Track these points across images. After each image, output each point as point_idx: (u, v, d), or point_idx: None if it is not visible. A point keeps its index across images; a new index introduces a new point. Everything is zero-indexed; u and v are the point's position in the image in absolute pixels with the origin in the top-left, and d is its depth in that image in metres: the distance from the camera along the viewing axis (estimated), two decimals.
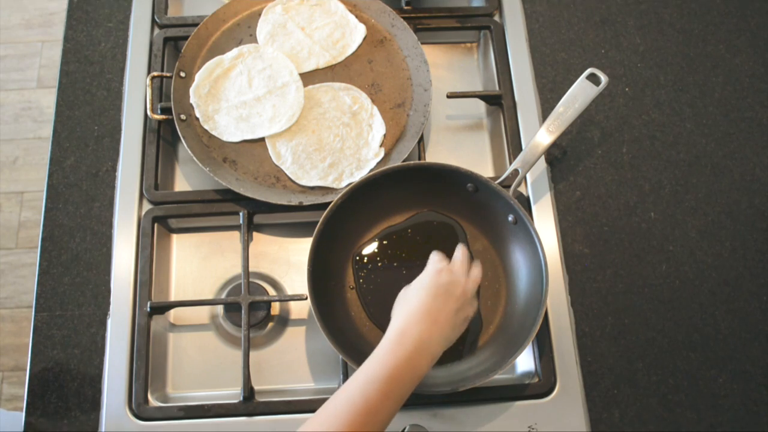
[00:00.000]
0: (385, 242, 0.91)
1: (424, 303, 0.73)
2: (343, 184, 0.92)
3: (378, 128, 0.95)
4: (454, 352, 0.85)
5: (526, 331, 0.79)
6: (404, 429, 0.80)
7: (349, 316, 0.88)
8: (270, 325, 0.91)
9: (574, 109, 0.89)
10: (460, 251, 0.83)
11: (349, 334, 0.85)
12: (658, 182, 0.96)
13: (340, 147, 0.94)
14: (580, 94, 0.89)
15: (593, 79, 0.90)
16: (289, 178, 0.92)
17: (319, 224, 0.83)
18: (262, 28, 1.01)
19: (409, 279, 0.83)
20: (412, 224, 0.92)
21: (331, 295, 0.87)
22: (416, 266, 0.88)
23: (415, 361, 0.69)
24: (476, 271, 0.83)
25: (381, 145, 0.95)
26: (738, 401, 0.85)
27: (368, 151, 0.94)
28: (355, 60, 1.01)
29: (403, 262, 0.90)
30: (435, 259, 0.80)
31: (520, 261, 0.87)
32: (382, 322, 0.86)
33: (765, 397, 0.86)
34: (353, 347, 0.83)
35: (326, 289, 0.86)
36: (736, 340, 0.88)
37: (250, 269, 0.90)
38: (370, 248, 0.91)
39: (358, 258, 0.90)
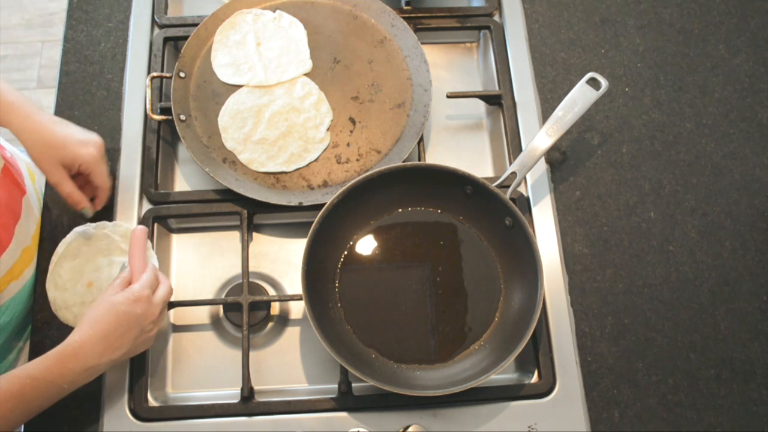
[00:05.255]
0: (380, 241, 0.91)
1: (110, 325, 0.73)
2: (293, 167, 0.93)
3: (325, 113, 0.97)
4: (450, 353, 0.85)
5: (522, 333, 0.79)
6: (404, 429, 0.80)
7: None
8: (270, 325, 0.91)
9: (574, 113, 0.89)
10: (149, 275, 0.78)
11: (343, 335, 0.85)
12: (658, 182, 0.96)
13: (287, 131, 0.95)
14: (579, 98, 0.89)
15: (593, 83, 0.90)
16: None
17: (314, 224, 0.83)
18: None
19: (403, 278, 0.83)
20: (410, 224, 0.92)
21: (326, 295, 0.87)
22: (412, 266, 0.89)
23: (76, 377, 0.72)
24: (162, 290, 0.79)
25: (328, 129, 0.96)
26: (738, 401, 0.85)
27: (316, 134, 0.95)
28: (355, 60, 1.01)
29: (399, 261, 0.90)
30: (134, 284, 0.77)
31: (517, 262, 0.87)
32: (366, 317, 0.87)
33: (765, 397, 0.86)
34: (347, 349, 0.83)
35: (321, 289, 0.86)
36: (736, 340, 0.88)
37: (250, 269, 0.90)
38: (364, 247, 0.91)
39: (350, 256, 0.90)
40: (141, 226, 0.83)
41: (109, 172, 0.87)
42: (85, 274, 0.84)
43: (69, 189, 0.82)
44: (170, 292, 0.81)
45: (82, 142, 0.82)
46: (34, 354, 0.84)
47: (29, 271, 0.87)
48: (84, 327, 0.73)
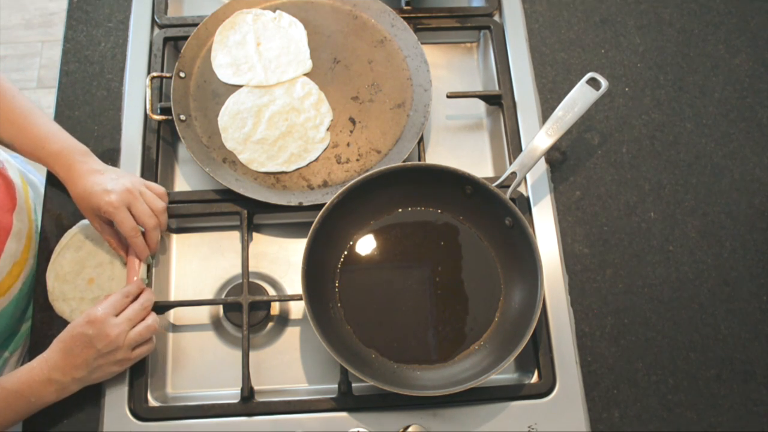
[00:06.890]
0: (380, 241, 0.91)
1: (67, 344, 0.77)
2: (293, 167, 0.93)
3: (325, 113, 0.97)
4: (450, 353, 0.85)
5: (522, 333, 0.79)
6: (404, 429, 0.80)
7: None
8: (270, 325, 0.91)
9: (574, 113, 0.88)
10: (115, 297, 0.79)
11: (343, 335, 0.85)
12: (658, 182, 0.96)
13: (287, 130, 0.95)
14: (579, 98, 0.89)
15: (593, 83, 0.90)
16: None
17: (314, 224, 0.83)
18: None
19: (403, 278, 0.82)
20: (410, 224, 0.92)
21: (326, 295, 0.87)
22: (412, 266, 0.88)
23: (41, 389, 0.76)
24: (129, 312, 0.79)
25: (328, 130, 0.96)
26: (738, 401, 0.85)
27: (316, 134, 0.95)
28: (355, 60, 1.01)
29: (399, 261, 0.90)
30: (98, 306, 0.78)
31: (517, 262, 0.87)
32: (365, 319, 0.87)
33: (765, 397, 0.86)
34: (347, 349, 0.83)
35: (321, 289, 0.86)
36: (736, 340, 0.88)
37: (250, 269, 0.91)
38: (364, 247, 0.91)
39: (350, 256, 0.90)
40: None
41: (140, 223, 0.82)
42: (86, 267, 0.85)
43: (107, 236, 0.84)
44: (140, 314, 0.80)
45: (106, 190, 0.80)
46: (33, 353, 0.84)
47: (17, 286, 0.87)
48: (52, 344, 0.78)
